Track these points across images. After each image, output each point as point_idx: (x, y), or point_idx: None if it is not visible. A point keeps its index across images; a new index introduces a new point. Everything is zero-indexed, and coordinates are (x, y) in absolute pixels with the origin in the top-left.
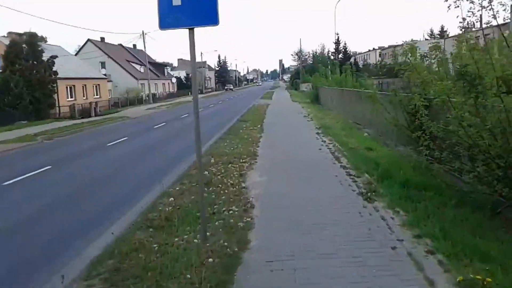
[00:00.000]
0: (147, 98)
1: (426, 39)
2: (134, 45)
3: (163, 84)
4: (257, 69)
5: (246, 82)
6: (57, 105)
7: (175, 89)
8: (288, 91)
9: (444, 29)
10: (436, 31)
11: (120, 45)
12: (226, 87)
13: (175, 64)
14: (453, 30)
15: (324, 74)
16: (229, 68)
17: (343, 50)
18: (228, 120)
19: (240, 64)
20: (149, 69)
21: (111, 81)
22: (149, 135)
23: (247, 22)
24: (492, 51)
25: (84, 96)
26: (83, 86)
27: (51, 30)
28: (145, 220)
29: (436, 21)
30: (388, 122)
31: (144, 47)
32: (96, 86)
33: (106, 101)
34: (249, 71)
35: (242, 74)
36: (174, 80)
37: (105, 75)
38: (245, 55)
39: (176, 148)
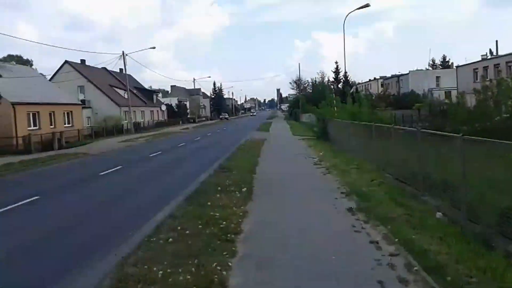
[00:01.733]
0: (128, 127)
1: (427, 69)
2: (121, 69)
3: (151, 111)
4: (255, 98)
5: (243, 111)
6: (14, 135)
7: (165, 117)
8: (287, 122)
9: (446, 59)
10: (438, 61)
11: (104, 68)
12: (221, 116)
13: (169, 90)
14: (456, 60)
15: (329, 103)
16: (225, 96)
17: (343, 79)
18: (203, 168)
19: (236, 93)
20: (135, 95)
21: (90, 107)
22: (74, 195)
23: (245, 49)
24: None
25: (51, 125)
26: (50, 113)
27: (40, 54)
28: None
29: (437, 52)
30: None
31: (125, 69)
32: (67, 113)
33: (77, 130)
34: (247, 99)
35: (239, 102)
36: (163, 107)
37: (83, 100)
38: (242, 83)
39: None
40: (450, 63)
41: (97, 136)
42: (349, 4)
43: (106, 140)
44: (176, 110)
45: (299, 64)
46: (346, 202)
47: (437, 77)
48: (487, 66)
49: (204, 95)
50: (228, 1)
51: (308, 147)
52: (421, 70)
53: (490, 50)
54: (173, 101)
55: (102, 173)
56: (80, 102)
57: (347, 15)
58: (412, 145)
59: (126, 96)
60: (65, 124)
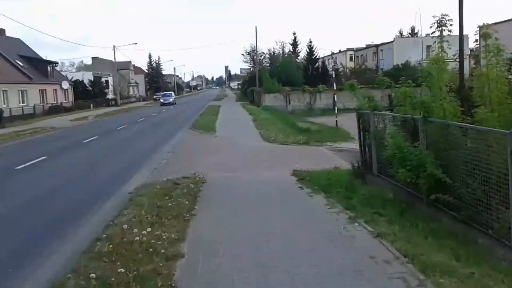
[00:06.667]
0: None
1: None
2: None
3: (42, 91)
4: (202, 75)
5: (188, 90)
6: None
7: (71, 99)
8: (242, 106)
9: (415, 31)
10: (406, 33)
11: None
12: (155, 96)
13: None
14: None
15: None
16: (165, 73)
17: (308, 51)
18: None
19: (179, 68)
20: (16, 66)
21: None
22: None
23: (188, 20)
24: None
25: None
26: None
27: None
28: None
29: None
30: None
31: None
32: None
33: None
34: (194, 77)
35: (184, 80)
36: (65, 85)
37: None
38: (187, 60)
39: None
40: (420, 35)
41: None
42: None
43: None
44: (90, 88)
45: (255, 27)
46: None
47: (428, 47)
48: None
49: (139, 71)
50: None
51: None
52: (407, 37)
53: None
54: (87, 77)
55: None
56: None
57: None
58: None
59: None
60: None
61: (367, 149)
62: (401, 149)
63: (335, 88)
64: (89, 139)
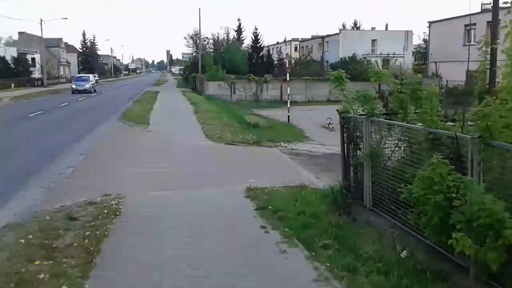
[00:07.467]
0: None
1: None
2: None
3: None
4: (142, 58)
5: (127, 72)
6: None
7: None
8: (183, 93)
9: (357, 25)
10: (349, 26)
11: None
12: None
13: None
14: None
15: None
16: (100, 52)
17: (253, 38)
18: None
19: (118, 50)
20: None
21: None
22: None
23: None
24: None
25: None
26: None
27: None
28: None
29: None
30: None
31: None
32: None
33: None
34: (134, 59)
35: (122, 62)
36: None
37: None
38: (125, 40)
39: None
40: (362, 28)
41: None
42: None
43: None
44: (12, 66)
45: (199, 9)
46: None
47: (373, 41)
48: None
49: (72, 49)
50: None
51: None
52: (353, 30)
53: None
54: (10, 53)
55: None
56: None
57: None
58: None
59: None
60: None
61: (354, 169)
62: (443, 191)
63: (287, 78)
64: None
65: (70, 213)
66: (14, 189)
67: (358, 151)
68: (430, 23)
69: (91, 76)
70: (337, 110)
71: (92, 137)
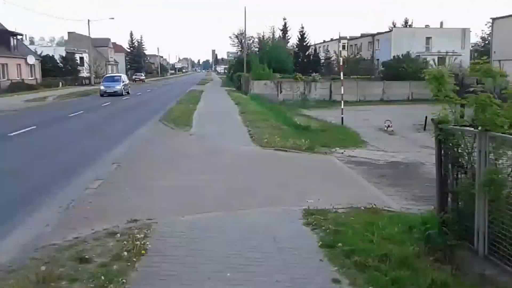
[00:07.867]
0: None
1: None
2: None
3: (5, 65)
4: (188, 58)
5: (173, 71)
6: None
7: (38, 75)
8: (227, 93)
9: (408, 22)
10: (399, 24)
11: None
12: (134, 77)
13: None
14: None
15: None
16: (147, 52)
17: (299, 37)
18: None
19: (165, 50)
20: None
21: None
22: None
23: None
24: None
25: None
26: None
27: None
28: None
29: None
30: None
31: None
32: None
33: None
34: (180, 59)
35: (169, 62)
36: (31, 60)
37: None
38: (173, 40)
39: None
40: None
41: None
42: None
43: None
44: (61, 65)
45: (244, 8)
46: None
47: (427, 39)
48: None
49: (120, 49)
50: None
51: None
52: (405, 28)
53: None
54: (58, 52)
55: None
56: None
57: None
58: None
59: None
60: None
61: (455, 198)
62: None
63: (341, 77)
64: (22, 130)
65: (84, 246)
66: (28, 209)
67: (462, 174)
68: (493, 19)
69: (123, 75)
70: (432, 119)
71: (129, 142)
